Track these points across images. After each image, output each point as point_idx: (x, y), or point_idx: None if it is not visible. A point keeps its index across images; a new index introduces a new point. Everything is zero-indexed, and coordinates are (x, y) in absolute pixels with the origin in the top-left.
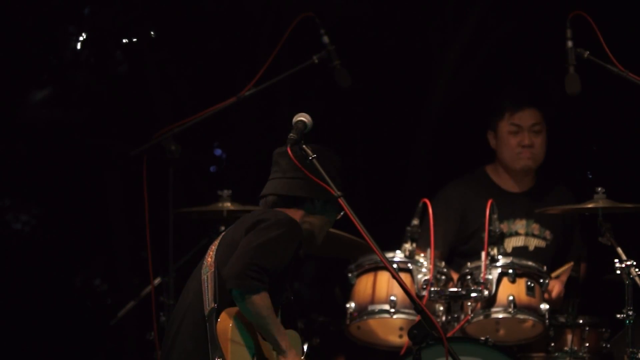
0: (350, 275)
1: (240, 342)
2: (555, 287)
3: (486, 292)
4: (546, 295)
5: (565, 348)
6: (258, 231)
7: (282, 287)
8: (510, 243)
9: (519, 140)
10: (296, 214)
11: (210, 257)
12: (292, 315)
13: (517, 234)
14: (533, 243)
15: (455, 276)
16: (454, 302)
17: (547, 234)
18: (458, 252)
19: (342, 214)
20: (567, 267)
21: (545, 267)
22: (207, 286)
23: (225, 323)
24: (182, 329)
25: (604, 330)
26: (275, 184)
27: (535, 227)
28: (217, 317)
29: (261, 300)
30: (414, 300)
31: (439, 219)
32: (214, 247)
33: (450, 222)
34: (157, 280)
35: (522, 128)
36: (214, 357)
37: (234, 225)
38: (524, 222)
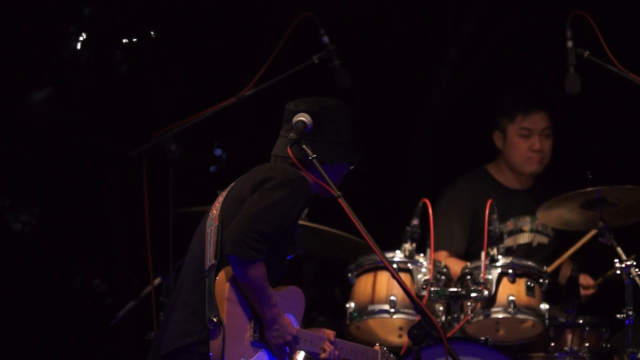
0: (350, 275)
1: (237, 302)
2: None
3: (486, 292)
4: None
5: (565, 348)
6: (263, 192)
7: (288, 242)
8: (517, 240)
9: (529, 144)
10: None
11: (215, 209)
12: (298, 270)
13: (522, 231)
14: (537, 239)
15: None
16: (454, 302)
17: (550, 230)
18: (465, 252)
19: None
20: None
21: (545, 267)
22: (210, 240)
23: (223, 281)
24: (186, 280)
25: (604, 330)
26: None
27: (540, 224)
28: (217, 274)
29: (255, 271)
30: (414, 300)
31: (453, 218)
32: (220, 199)
33: (465, 220)
34: (157, 280)
35: (533, 132)
36: (210, 316)
37: (243, 177)
38: (528, 218)
